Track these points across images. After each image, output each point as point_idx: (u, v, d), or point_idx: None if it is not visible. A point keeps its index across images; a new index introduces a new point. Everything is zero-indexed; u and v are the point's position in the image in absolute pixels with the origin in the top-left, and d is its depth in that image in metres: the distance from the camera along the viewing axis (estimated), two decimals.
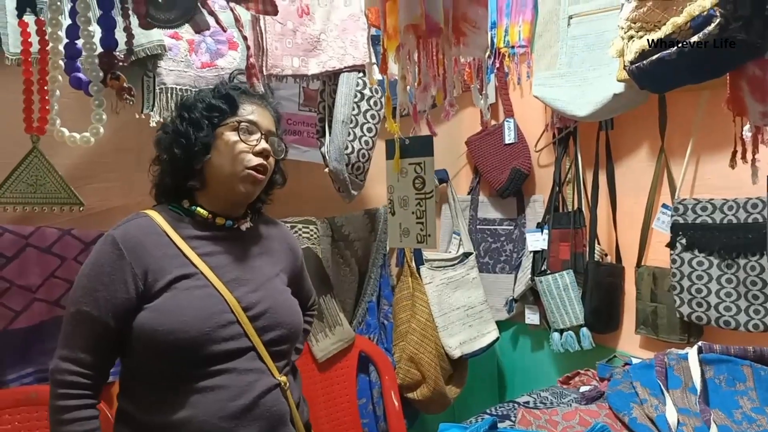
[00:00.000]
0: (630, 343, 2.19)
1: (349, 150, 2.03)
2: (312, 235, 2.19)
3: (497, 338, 2.48)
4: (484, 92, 1.30)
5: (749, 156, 1.25)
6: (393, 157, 0.98)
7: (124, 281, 1.21)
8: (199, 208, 1.32)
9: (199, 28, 1.17)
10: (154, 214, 1.31)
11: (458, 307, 2.46)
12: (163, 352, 1.21)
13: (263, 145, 1.30)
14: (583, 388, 1.76)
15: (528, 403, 1.70)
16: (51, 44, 1.27)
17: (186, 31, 1.74)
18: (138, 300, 1.22)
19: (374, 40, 2.00)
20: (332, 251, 2.27)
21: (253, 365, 1.26)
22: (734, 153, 1.28)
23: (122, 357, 1.28)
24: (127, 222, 1.29)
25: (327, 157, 2.05)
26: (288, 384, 1.30)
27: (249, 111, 1.32)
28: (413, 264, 2.42)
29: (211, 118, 1.29)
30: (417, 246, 1.04)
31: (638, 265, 2.14)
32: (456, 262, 2.52)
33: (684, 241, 1.94)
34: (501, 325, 2.54)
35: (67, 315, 1.23)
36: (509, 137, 2.51)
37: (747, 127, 1.23)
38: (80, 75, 1.27)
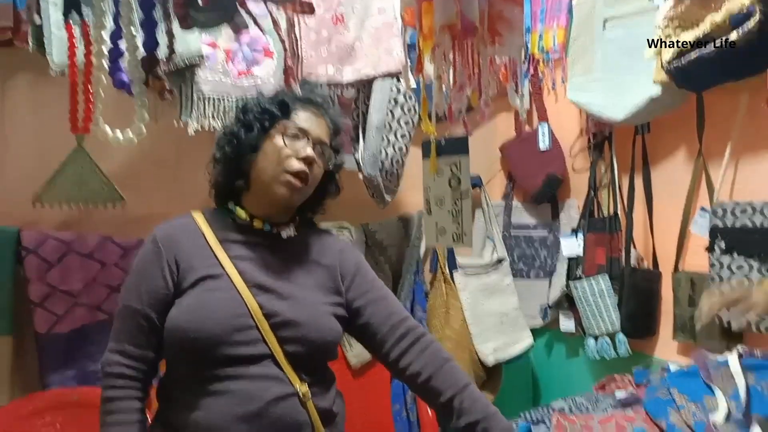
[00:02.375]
0: (667, 350, 2.15)
1: (383, 156, 2.05)
2: (347, 240, 2.21)
3: (531, 345, 2.47)
4: (519, 92, 1.30)
5: None
6: (429, 157, 0.98)
7: (162, 275, 1.26)
8: (239, 209, 1.34)
9: (238, 29, 1.20)
10: (197, 215, 1.35)
11: (492, 313, 2.45)
12: (180, 351, 1.25)
13: (308, 152, 1.30)
14: (618, 394, 1.74)
15: (563, 408, 1.69)
16: (95, 46, 1.31)
17: (223, 39, 1.78)
18: (174, 293, 1.26)
19: (409, 48, 2.02)
20: (366, 257, 2.28)
21: (269, 372, 1.24)
22: None
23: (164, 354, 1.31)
24: (170, 222, 1.35)
25: (361, 164, 2.07)
26: (309, 394, 1.27)
27: (302, 118, 1.33)
28: (447, 270, 2.42)
29: (263, 120, 1.32)
30: (453, 245, 1.04)
31: (675, 270, 2.10)
32: (490, 268, 2.52)
33: (723, 244, 1.90)
34: (535, 332, 2.53)
35: (116, 312, 1.29)
36: (544, 143, 2.50)
37: None
38: (123, 75, 1.31)
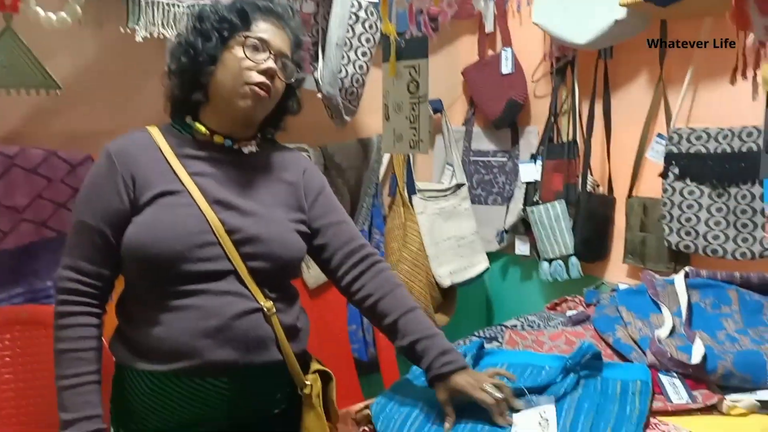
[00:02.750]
0: (617, 273, 2.22)
1: (343, 74, 1.99)
2: None
3: (487, 268, 2.51)
4: None
5: (749, 72, 1.23)
6: (388, 60, 0.95)
7: (116, 190, 1.22)
8: (198, 124, 1.29)
9: None
10: (153, 130, 1.30)
11: (449, 237, 2.48)
12: (140, 269, 1.22)
13: (269, 64, 1.24)
14: (569, 313, 1.79)
15: (515, 326, 1.73)
16: None
17: None
18: (130, 210, 1.22)
19: None
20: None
21: (233, 288, 1.23)
22: (735, 69, 1.26)
23: (122, 272, 1.29)
24: (124, 136, 1.29)
25: (320, 82, 2.01)
26: (274, 309, 1.27)
27: (263, 29, 1.27)
28: (405, 193, 2.41)
29: (221, 30, 1.25)
30: (410, 151, 1.02)
31: (629, 195, 2.14)
32: (448, 192, 2.52)
33: (677, 170, 1.93)
34: (491, 256, 2.57)
35: (69, 227, 1.25)
36: (506, 67, 2.47)
37: (750, 40, 1.20)
38: None
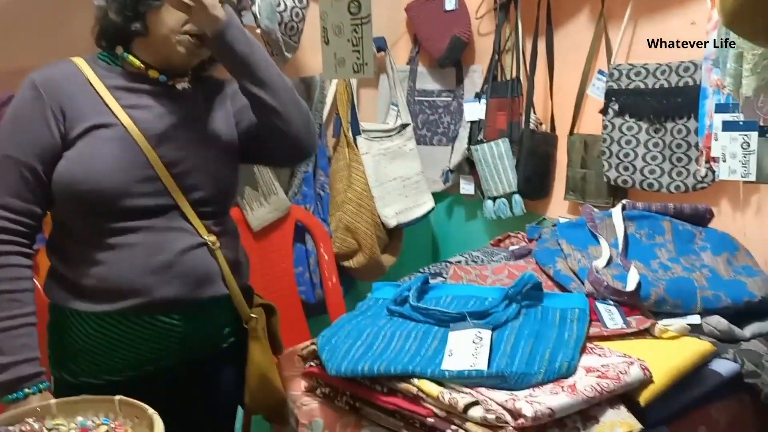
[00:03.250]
0: (558, 209, 2.26)
1: (282, 7, 1.92)
2: None
3: (432, 208, 2.52)
4: None
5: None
6: None
7: (45, 123, 1.16)
8: (131, 57, 1.23)
9: None
10: (80, 61, 1.24)
11: (395, 177, 2.47)
12: (75, 205, 1.18)
13: None
14: (512, 248, 1.82)
15: (459, 261, 1.75)
16: None
17: None
18: (62, 144, 1.17)
19: None
20: None
21: (175, 224, 1.22)
22: None
23: (51, 210, 1.23)
24: (48, 67, 1.22)
25: (258, 16, 1.93)
26: (218, 244, 1.27)
27: None
28: (350, 134, 2.38)
29: None
30: (353, 76, 0.99)
31: (571, 133, 2.17)
32: (393, 133, 2.50)
33: (616, 106, 1.96)
34: (437, 196, 2.58)
35: None
36: (450, 3, 2.43)
37: None
38: None
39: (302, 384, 1.37)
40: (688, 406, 1.22)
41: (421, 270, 1.73)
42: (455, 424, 1.07)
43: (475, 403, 1.06)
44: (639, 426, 1.09)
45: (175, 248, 1.21)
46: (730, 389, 1.29)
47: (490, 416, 1.02)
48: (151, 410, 0.98)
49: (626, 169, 1.96)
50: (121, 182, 1.17)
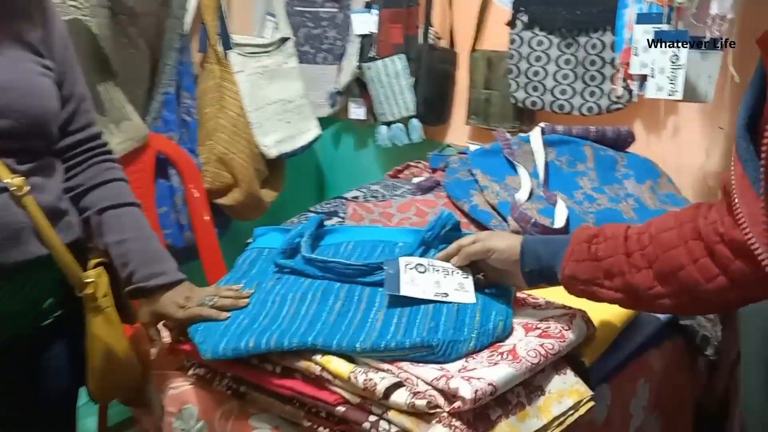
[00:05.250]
0: (459, 135, 2.06)
1: None
2: (81, 4, 1.67)
3: (318, 136, 2.23)
4: None
5: None
6: None
7: None
8: None
9: None
10: None
11: (274, 101, 2.14)
12: None
13: None
14: (416, 180, 1.59)
15: (357, 197, 1.50)
16: None
17: None
18: None
19: None
20: (112, 28, 1.78)
21: None
22: None
23: None
24: None
25: None
26: (26, 188, 0.94)
27: None
28: (220, 48, 2.01)
29: None
30: None
31: (473, 49, 1.94)
32: (271, 48, 2.16)
33: (525, 18, 1.75)
34: (323, 122, 2.28)
35: None
36: None
37: None
38: None
39: (169, 360, 1.08)
40: (627, 358, 1.07)
41: (312, 209, 1.45)
42: (374, 414, 0.83)
43: (399, 385, 0.83)
44: (590, 393, 0.91)
45: None
46: (665, 333, 1.16)
47: (420, 401, 0.80)
48: None
49: (535, 89, 1.77)
50: None
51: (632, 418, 1.09)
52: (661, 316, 1.13)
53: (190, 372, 1.04)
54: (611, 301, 0.87)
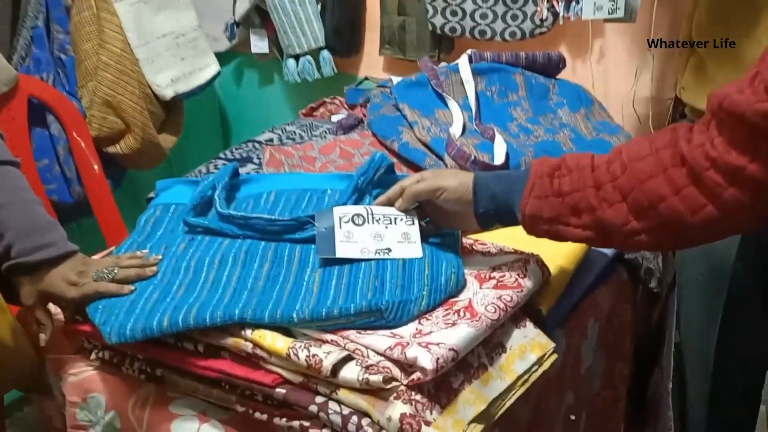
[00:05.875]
0: (374, 67, 1.91)
1: None
2: None
3: (218, 72, 2.01)
4: None
5: None
6: None
7: None
8: None
9: None
10: None
11: (164, 34, 1.90)
12: None
13: None
14: (335, 117, 1.45)
15: (272, 140, 1.34)
16: None
17: None
18: None
19: None
20: None
21: None
22: None
23: None
24: None
25: None
26: None
27: None
28: None
29: None
30: None
31: None
32: None
33: None
34: (221, 57, 2.06)
35: None
36: None
37: None
38: None
39: (66, 343, 0.92)
40: (578, 300, 1.01)
41: (223, 156, 1.28)
42: (321, 394, 0.72)
43: (348, 359, 0.72)
44: (552, 345, 0.84)
45: None
46: (611, 268, 1.11)
47: (374, 377, 0.69)
48: None
49: (454, 14, 1.64)
50: None
51: (583, 361, 1.05)
52: (608, 251, 1.08)
53: (93, 356, 0.89)
54: (579, 240, 0.79)
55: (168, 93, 1.87)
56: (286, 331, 0.76)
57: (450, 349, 0.71)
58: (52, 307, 0.91)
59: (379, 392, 0.70)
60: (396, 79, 1.39)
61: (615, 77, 1.53)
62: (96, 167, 1.74)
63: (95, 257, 0.98)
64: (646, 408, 1.37)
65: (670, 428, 1.23)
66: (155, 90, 1.85)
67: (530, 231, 0.81)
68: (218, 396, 0.78)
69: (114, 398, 0.87)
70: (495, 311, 0.79)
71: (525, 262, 0.88)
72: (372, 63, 1.91)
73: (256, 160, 1.22)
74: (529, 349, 0.81)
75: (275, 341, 0.73)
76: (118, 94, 1.76)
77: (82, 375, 0.90)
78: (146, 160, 1.89)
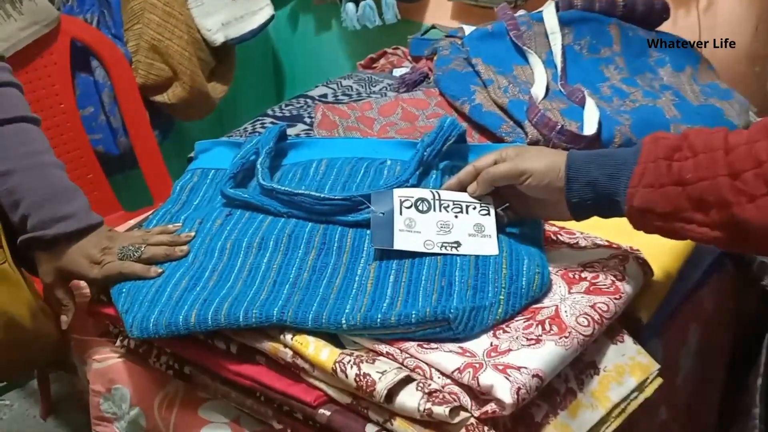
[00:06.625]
0: (442, 14, 1.73)
1: None
2: None
3: (272, 17, 1.87)
4: None
5: None
6: None
7: None
8: None
9: None
10: None
11: None
12: None
13: None
14: (398, 72, 1.29)
15: (326, 96, 1.19)
16: None
17: None
18: None
19: None
20: None
21: None
22: None
23: None
24: None
25: None
26: None
27: None
28: None
29: None
30: None
31: None
32: None
33: None
34: (276, 1, 1.92)
35: None
36: None
37: None
38: None
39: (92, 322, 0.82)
40: (679, 302, 0.85)
41: (270, 113, 1.15)
42: (372, 422, 0.59)
43: (406, 381, 0.59)
44: (656, 366, 0.69)
45: None
46: (719, 263, 0.93)
47: (439, 409, 0.56)
48: None
49: None
50: None
51: (680, 370, 0.89)
52: None
53: (118, 342, 0.79)
54: (703, 242, 0.62)
55: (218, 38, 1.76)
56: (332, 337, 0.64)
57: (534, 376, 0.57)
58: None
59: (443, 426, 0.57)
60: (468, 29, 1.21)
61: (726, 30, 1.31)
62: (142, 117, 1.66)
63: (121, 227, 0.88)
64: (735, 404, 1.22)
65: (755, 426, 1.08)
66: (204, 35, 1.74)
67: (638, 226, 0.65)
68: (252, 407, 0.67)
69: (139, 393, 0.77)
70: (588, 324, 0.64)
71: (623, 259, 0.73)
72: (441, 9, 1.74)
73: (307, 119, 1.08)
74: (628, 371, 0.66)
75: (319, 351, 0.61)
76: (166, 38, 1.65)
77: (107, 362, 0.80)
78: (195, 111, 1.80)
